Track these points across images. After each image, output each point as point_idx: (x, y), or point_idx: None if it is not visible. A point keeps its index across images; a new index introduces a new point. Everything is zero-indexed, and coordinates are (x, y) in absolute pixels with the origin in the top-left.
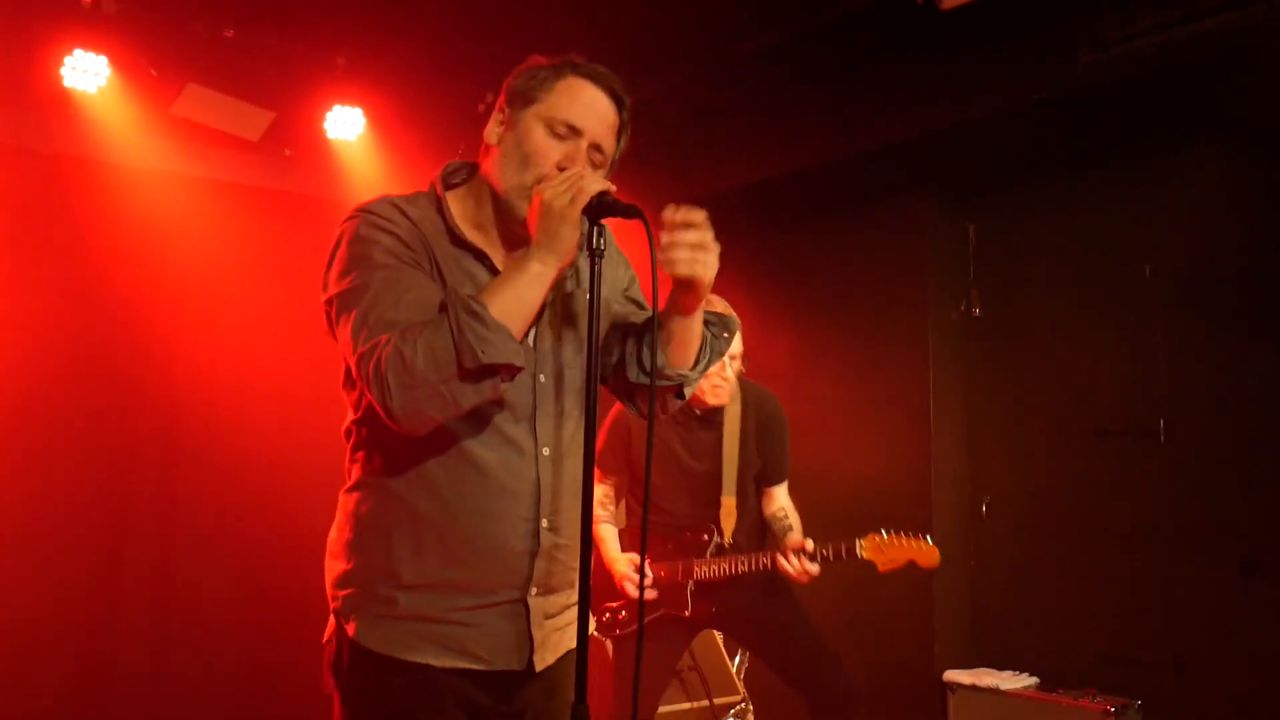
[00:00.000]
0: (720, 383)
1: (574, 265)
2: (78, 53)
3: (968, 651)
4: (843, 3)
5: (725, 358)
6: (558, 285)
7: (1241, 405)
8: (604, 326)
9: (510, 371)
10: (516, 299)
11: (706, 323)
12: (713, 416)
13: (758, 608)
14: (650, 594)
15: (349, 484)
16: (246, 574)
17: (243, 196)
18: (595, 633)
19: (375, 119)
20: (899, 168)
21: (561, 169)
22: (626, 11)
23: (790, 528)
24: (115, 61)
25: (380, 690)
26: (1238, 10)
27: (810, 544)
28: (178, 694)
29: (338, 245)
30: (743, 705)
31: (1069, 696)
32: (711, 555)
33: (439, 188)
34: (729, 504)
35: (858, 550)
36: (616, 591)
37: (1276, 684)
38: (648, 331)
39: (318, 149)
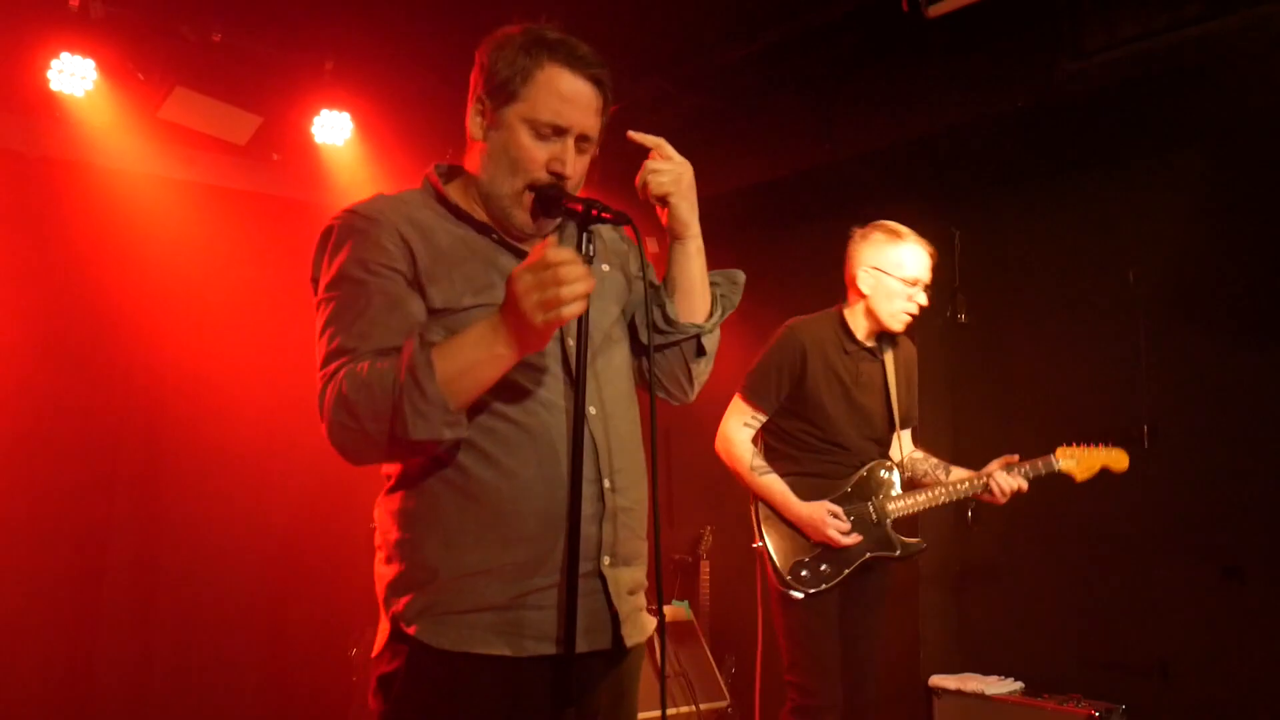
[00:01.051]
0: (903, 308)
1: (593, 238)
2: (65, 56)
3: (953, 656)
4: (829, 9)
5: (916, 285)
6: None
7: (1224, 410)
8: (627, 310)
9: (444, 441)
10: (469, 373)
11: (713, 282)
12: (876, 351)
13: (875, 588)
14: (852, 538)
15: (389, 486)
16: (231, 570)
17: (230, 200)
18: (794, 591)
19: (363, 123)
20: (885, 174)
21: (552, 171)
22: (615, 18)
23: (940, 463)
24: (102, 65)
25: (451, 690)
26: (1218, 19)
27: (1016, 458)
28: (162, 689)
29: (319, 248)
30: (729, 710)
31: (1054, 701)
32: (899, 491)
33: (435, 179)
34: (899, 438)
35: (1056, 464)
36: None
37: (1260, 688)
38: (652, 294)
39: (305, 153)
